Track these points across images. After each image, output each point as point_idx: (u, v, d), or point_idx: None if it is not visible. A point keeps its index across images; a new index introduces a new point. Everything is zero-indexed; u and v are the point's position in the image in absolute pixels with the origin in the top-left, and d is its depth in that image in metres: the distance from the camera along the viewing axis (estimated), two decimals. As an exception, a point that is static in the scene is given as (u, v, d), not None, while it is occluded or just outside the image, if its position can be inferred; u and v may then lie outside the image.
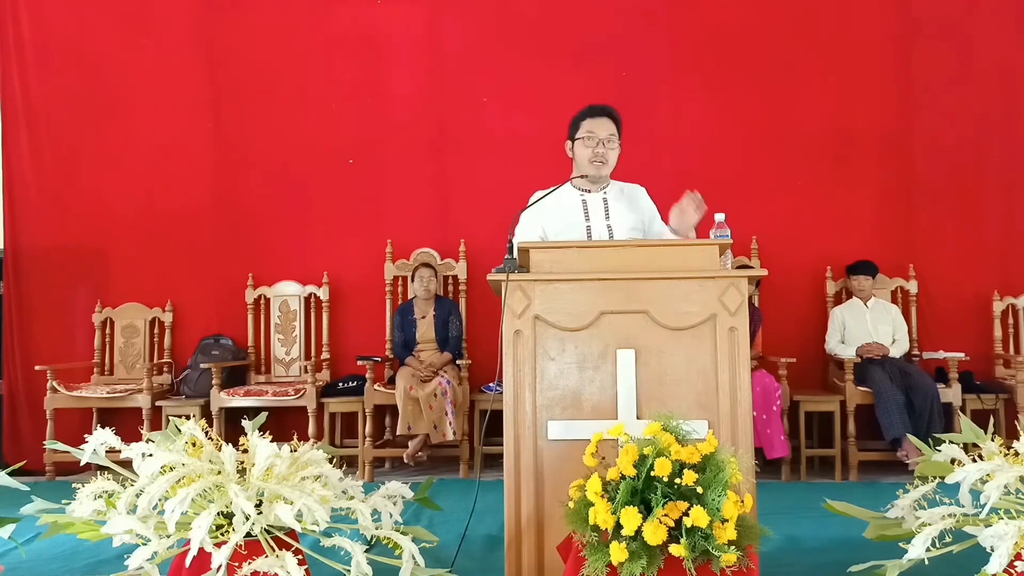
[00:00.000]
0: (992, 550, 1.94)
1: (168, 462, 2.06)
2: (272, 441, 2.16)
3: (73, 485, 2.18)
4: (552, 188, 2.94)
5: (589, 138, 2.94)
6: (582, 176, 2.99)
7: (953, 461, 2.23)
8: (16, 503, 2.31)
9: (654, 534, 1.84)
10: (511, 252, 2.50)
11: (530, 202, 2.87)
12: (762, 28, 5.14)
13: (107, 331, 5.19)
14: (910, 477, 2.53)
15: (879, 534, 2.28)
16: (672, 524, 1.87)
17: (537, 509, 2.33)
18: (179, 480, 2.02)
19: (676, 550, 1.84)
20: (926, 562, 2.05)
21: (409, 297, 5.05)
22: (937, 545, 2.02)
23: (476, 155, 5.18)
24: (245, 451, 2.18)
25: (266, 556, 1.99)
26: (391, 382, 4.71)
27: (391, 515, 2.34)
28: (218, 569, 1.95)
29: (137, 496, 2.03)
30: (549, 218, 2.95)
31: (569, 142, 3.03)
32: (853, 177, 5.09)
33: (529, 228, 2.96)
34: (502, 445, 2.38)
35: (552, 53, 5.15)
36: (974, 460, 2.17)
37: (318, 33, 5.26)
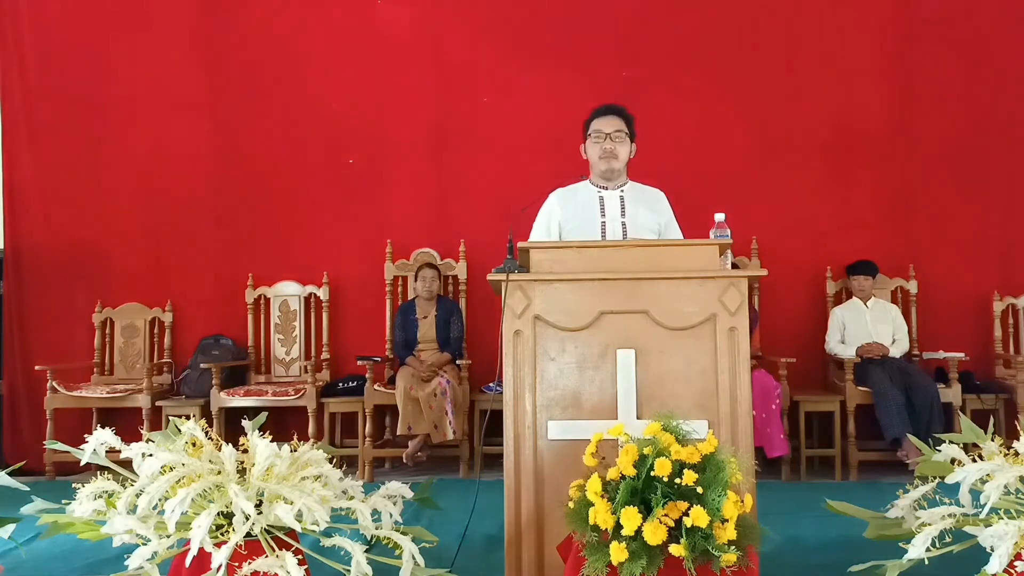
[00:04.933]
0: (992, 550, 1.94)
1: (168, 462, 2.06)
2: (272, 441, 2.16)
3: (73, 485, 2.18)
4: (576, 183, 3.01)
5: (597, 135, 3.03)
6: (598, 176, 3.05)
7: (953, 461, 2.23)
8: (16, 503, 2.30)
9: (654, 534, 1.84)
10: (511, 252, 2.51)
11: (551, 195, 2.92)
12: (762, 28, 5.14)
13: (107, 331, 5.19)
14: (910, 477, 2.53)
15: (879, 534, 2.28)
16: (672, 524, 1.87)
17: (537, 509, 2.33)
18: (179, 480, 2.02)
19: (676, 550, 1.84)
20: (926, 562, 2.05)
21: (409, 297, 5.05)
22: (937, 545, 2.02)
23: (476, 155, 5.18)
24: (245, 451, 2.18)
25: (266, 556, 1.99)
26: (391, 382, 4.71)
27: (391, 515, 2.33)
28: (218, 569, 1.95)
29: (137, 496, 2.03)
30: (565, 213, 3.00)
31: (583, 145, 3.11)
32: (853, 177, 5.09)
33: (544, 225, 3.02)
34: (502, 445, 2.38)
35: (552, 53, 5.15)
36: (974, 460, 2.17)
37: (318, 33, 5.25)
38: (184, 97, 5.27)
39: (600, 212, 3.02)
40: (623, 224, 3.00)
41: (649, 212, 3.05)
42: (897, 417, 4.32)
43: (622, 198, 3.05)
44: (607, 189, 3.06)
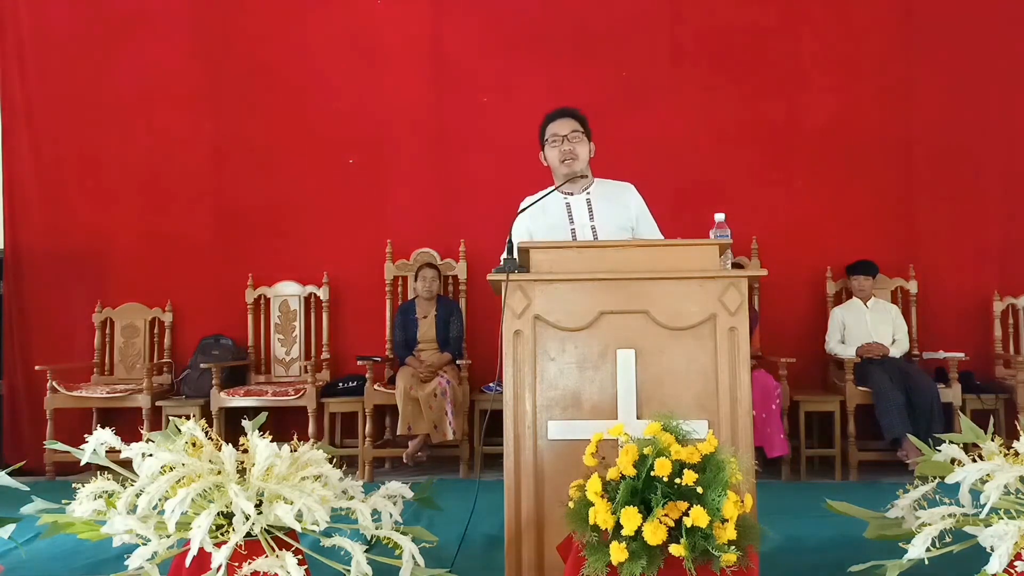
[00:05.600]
0: (992, 550, 1.94)
1: (168, 462, 2.06)
2: (272, 441, 2.16)
3: (73, 485, 2.18)
4: (543, 192, 2.96)
5: (554, 139, 3.02)
6: (563, 181, 3.01)
7: (953, 461, 2.23)
8: (16, 503, 2.30)
9: (654, 534, 1.84)
10: (511, 252, 2.51)
11: (520, 208, 2.89)
12: (762, 28, 5.14)
13: (107, 331, 5.19)
14: (910, 477, 2.53)
15: (879, 534, 2.28)
16: (672, 524, 1.87)
17: (537, 509, 2.33)
18: (179, 480, 2.02)
19: (676, 550, 1.84)
20: (926, 562, 2.05)
21: (409, 297, 5.05)
22: (937, 545, 2.02)
23: (476, 155, 5.18)
24: (245, 451, 2.17)
25: (266, 556, 1.99)
26: (391, 382, 4.71)
27: (391, 515, 2.33)
28: (218, 569, 1.94)
29: (137, 496, 2.03)
30: (536, 224, 2.99)
31: (542, 153, 3.09)
32: (853, 177, 5.09)
33: (517, 234, 2.99)
34: (502, 445, 2.38)
35: (552, 53, 5.15)
36: (974, 460, 2.17)
37: (318, 33, 5.26)
38: (184, 97, 5.28)
39: (568, 219, 3.00)
40: (592, 228, 2.98)
41: (619, 209, 3.03)
42: (897, 417, 4.32)
43: (588, 201, 3.02)
44: (573, 195, 3.04)
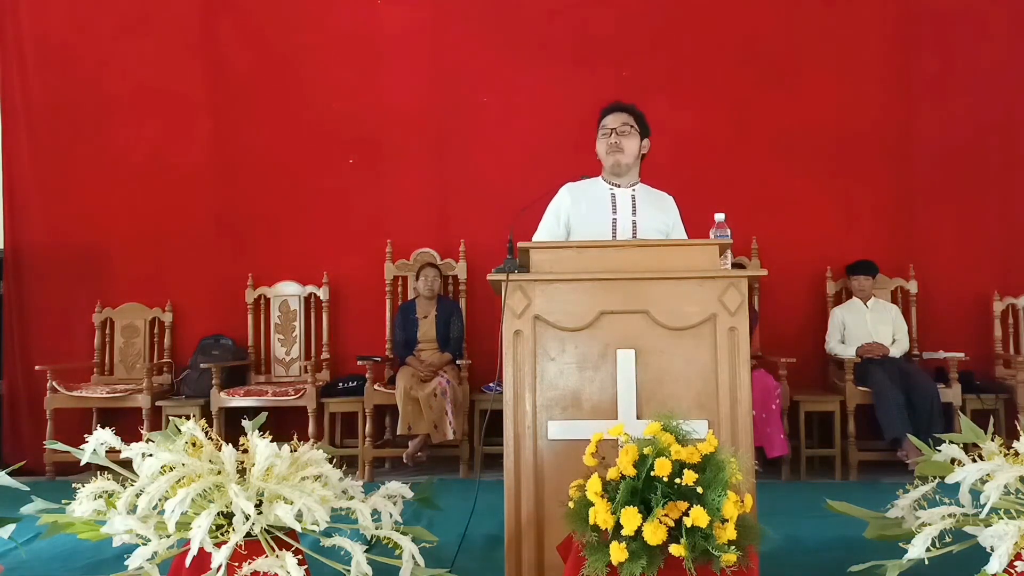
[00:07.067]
0: (992, 550, 1.94)
1: (168, 462, 2.06)
2: (272, 441, 2.16)
3: (73, 485, 2.19)
4: (588, 179, 3.05)
5: (604, 130, 3.05)
6: (608, 172, 3.07)
7: (953, 461, 2.23)
8: (16, 503, 2.30)
9: (654, 534, 1.84)
10: (511, 252, 2.51)
11: (562, 189, 2.94)
12: (762, 28, 5.14)
13: (107, 331, 5.19)
14: (910, 477, 2.53)
15: (879, 534, 2.28)
16: (672, 524, 1.87)
17: (537, 509, 2.33)
18: (179, 480, 2.02)
19: (676, 550, 1.84)
20: (926, 562, 2.05)
21: (410, 297, 5.05)
22: (937, 545, 2.02)
23: (476, 155, 5.18)
24: (245, 451, 2.18)
25: (266, 556, 1.99)
26: (391, 382, 4.71)
27: (391, 515, 2.33)
28: (218, 569, 1.95)
29: (137, 496, 2.03)
30: (576, 207, 3.01)
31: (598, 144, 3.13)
32: (853, 177, 5.09)
33: (554, 218, 3.04)
34: (502, 445, 2.38)
35: (552, 53, 5.15)
36: (974, 460, 2.17)
37: (318, 33, 5.25)
38: (184, 97, 5.28)
39: (612, 209, 3.02)
40: (634, 222, 3.00)
41: (659, 213, 3.06)
42: (897, 417, 4.32)
43: (633, 197, 3.05)
44: (619, 187, 3.06)
